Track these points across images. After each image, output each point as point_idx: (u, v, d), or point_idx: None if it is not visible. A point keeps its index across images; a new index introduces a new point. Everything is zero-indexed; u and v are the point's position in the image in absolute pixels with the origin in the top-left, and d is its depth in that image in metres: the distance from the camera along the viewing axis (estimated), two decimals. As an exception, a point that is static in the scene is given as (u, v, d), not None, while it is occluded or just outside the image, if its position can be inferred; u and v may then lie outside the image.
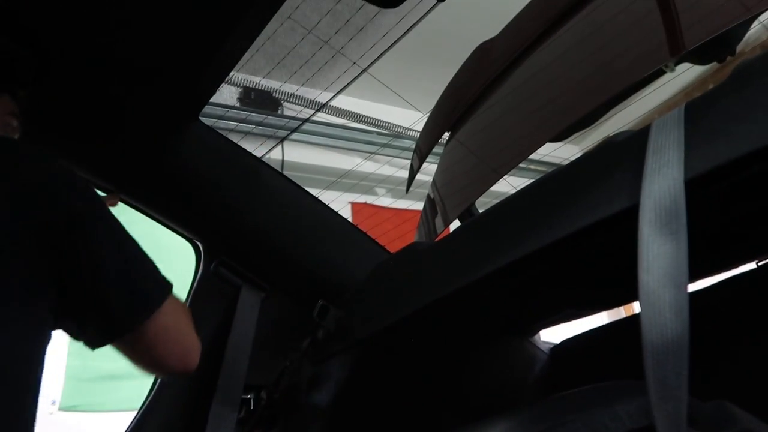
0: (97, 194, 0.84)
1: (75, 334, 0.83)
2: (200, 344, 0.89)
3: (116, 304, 0.78)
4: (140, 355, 0.85)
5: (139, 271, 0.83)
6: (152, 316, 0.80)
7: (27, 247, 0.72)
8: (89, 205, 0.80)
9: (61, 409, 3.12)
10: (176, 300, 0.87)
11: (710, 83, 3.58)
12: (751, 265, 0.82)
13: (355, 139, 4.06)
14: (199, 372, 1.16)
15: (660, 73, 0.92)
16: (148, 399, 1.19)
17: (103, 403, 3.12)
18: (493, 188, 0.99)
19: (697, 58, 0.97)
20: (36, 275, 0.72)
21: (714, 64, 0.98)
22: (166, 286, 0.86)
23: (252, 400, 1.20)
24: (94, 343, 0.82)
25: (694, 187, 0.45)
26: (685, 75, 3.80)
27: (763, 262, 0.81)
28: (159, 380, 1.19)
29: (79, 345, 0.84)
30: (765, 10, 0.70)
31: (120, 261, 0.79)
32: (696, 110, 0.50)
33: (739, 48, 0.94)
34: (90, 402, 3.13)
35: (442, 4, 0.88)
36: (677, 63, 0.87)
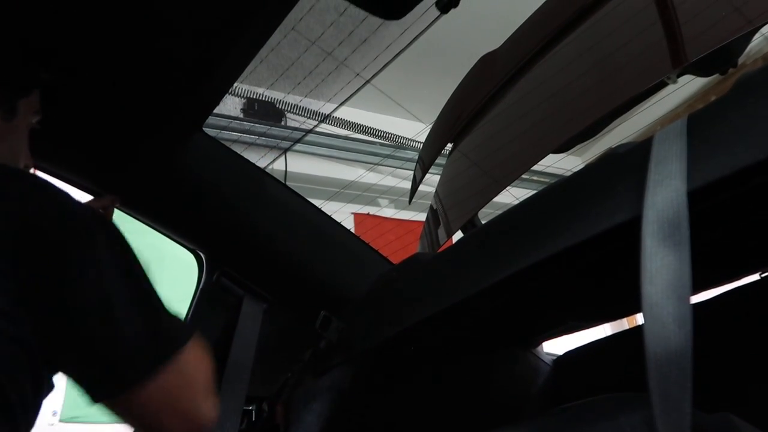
0: (95, 221, 0.72)
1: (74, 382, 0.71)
2: (215, 417, 0.76)
3: (121, 352, 0.67)
4: (136, 420, 0.73)
5: (150, 312, 0.71)
6: (164, 367, 0.68)
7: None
8: (79, 237, 0.68)
9: (62, 420, 3.11)
10: (189, 363, 0.73)
11: (712, 95, 3.59)
12: (755, 277, 0.81)
13: (358, 150, 4.07)
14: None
15: (662, 85, 0.93)
16: (150, 410, 1.18)
17: (104, 415, 3.11)
18: (496, 199, 0.99)
19: (699, 70, 0.97)
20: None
21: (716, 76, 0.99)
22: (185, 329, 0.74)
23: (254, 412, 1.20)
24: (93, 397, 0.70)
25: (697, 198, 0.45)
26: (687, 87, 3.81)
27: (766, 274, 0.80)
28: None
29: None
30: (766, 23, 0.70)
31: (124, 301, 0.68)
32: (698, 122, 0.50)
33: (741, 60, 0.94)
34: (91, 413, 3.11)
35: (445, 16, 0.88)
36: (679, 75, 0.87)
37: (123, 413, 0.72)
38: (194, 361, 0.75)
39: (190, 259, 1.30)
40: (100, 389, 0.69)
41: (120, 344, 0.67)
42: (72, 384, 0.70)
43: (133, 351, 0.68)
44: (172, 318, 0.75)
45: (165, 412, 0.71)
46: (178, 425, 0.73)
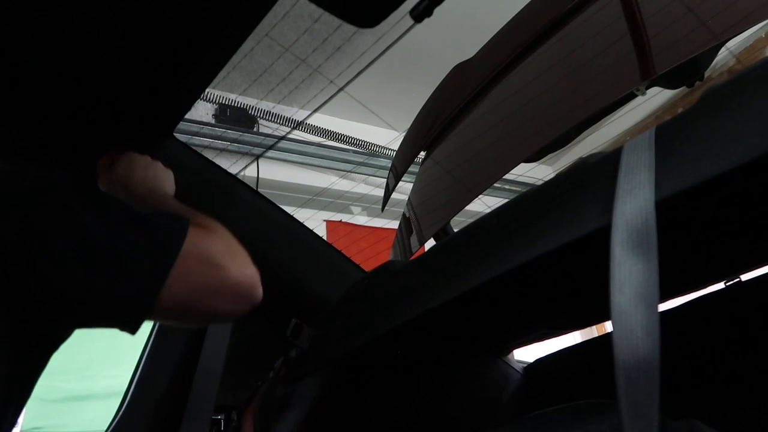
0: (59, 193, 0.72)
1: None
2: (253, 274, 0.79)
3: (112, 301, 0.69)
4: (183, 317, 0.77)
5: (138, 226, 0.72)
6: (160, 291, 0.70)
7: None
8: (41, 216, 0.68)
9: (23, 431, 3.03)
10: (193, 241, 0.74)
11: (679, 107, 3.67)
12: (720, 285, 0.83)
13: (331, 158, 4.06)
14: (169, 392, 1.13)
15: (631, 96, 0.94)
16: (115, 420, 1.16)
17: (67, 425, 3.03)
18: (468, 208, 0.99)
19: (667, 82, 0.99)
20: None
21: (683, 89, 1.01)
22: (178, 220, 0.75)
23: (222, 421, 1.18)
24: (129, 327, 0.72)
25: (665, 208, 0.46)
26: (655, 99, 3.89)
27: (731, 282, 0.82)
28: (126, 401, 1.17)
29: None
30: (732, 38, 0.72)
31: (96, 256, 0.68)
32: (666, 133, 0.51)
33: (707, 73, 0.97)
34: (54, 424, 3.03)
35: (419, 25, 0.88)
36: (648, 87, 0.89)
37: (165, 318, 0.75)
38: (200, 239, 0.76)
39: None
40: (129, 317, 0.71)
41: (123, 267, 0.69)
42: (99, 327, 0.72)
43: (139, 265, 0.69)
44: (162, 218, 0.76)
45: (198, 295, 0.73)
46: (220, 299, 0.75)
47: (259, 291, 0.80)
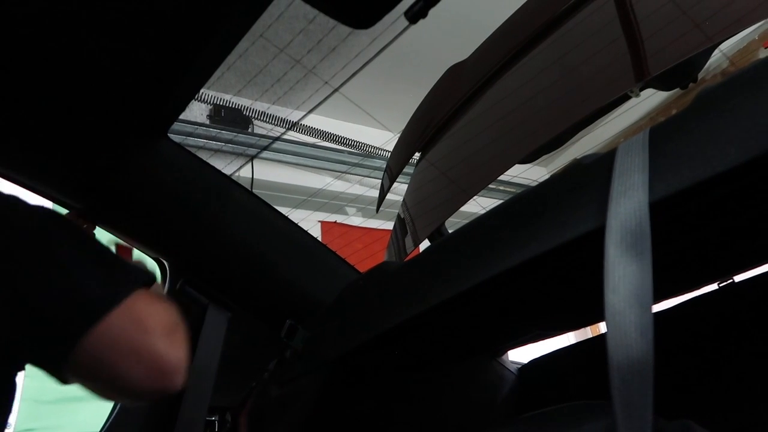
0: (33, 225, 0.73)
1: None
2: (180, 358, 0.74)
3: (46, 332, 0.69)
4: (94, 373, 0.71)
5: (97, 264, 0.73)
6: (112, 309, 0.69)
7: None
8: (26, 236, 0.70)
9: (16, 432, 3.02)
10: (138, 300, 0.73)
11: (673, 109, 3.69)
12: (713, 287, 0.84)
13: (326, 159, 4.05)
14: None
15: (626, 97, 0.95)
16: (109, 422, 1.15)
17: (61, 427, 3.02)
18: (463, 209, 0.99)
19: (661, 84, 1.00)
20: None
21: (677, 91, 1.01)
22: (135, 275, 0.75)
23: (217, 423, 1.18)
24: (51, 365, 0.72)
25: (659, 209, 0.46)
26: (649, 100, 3.90)
27: (724, 283, 0.82)
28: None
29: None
30: (725, 40, 0.73)
31: (70, 258, 0.71)
32: (660, 134, 0.51)
33: (701, 75, 0.97)
34: (47, 425, 3.02)
35: (414, 26, 0.89)
36: (642, 88, 0.89)
37: (77, 370, 0.70)
38: (144, 303, 0.73)
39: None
40: (54, 349, 0.69)
41: (68, 296, 0.69)
42: (32, 365, 0.71)
43: (82, 299, 0.69)
44: (124, 265, 0.76)
45: (118, 352, 0.69)
46: (137, 366, 0.70)
47: (180, 378, 0.74)
